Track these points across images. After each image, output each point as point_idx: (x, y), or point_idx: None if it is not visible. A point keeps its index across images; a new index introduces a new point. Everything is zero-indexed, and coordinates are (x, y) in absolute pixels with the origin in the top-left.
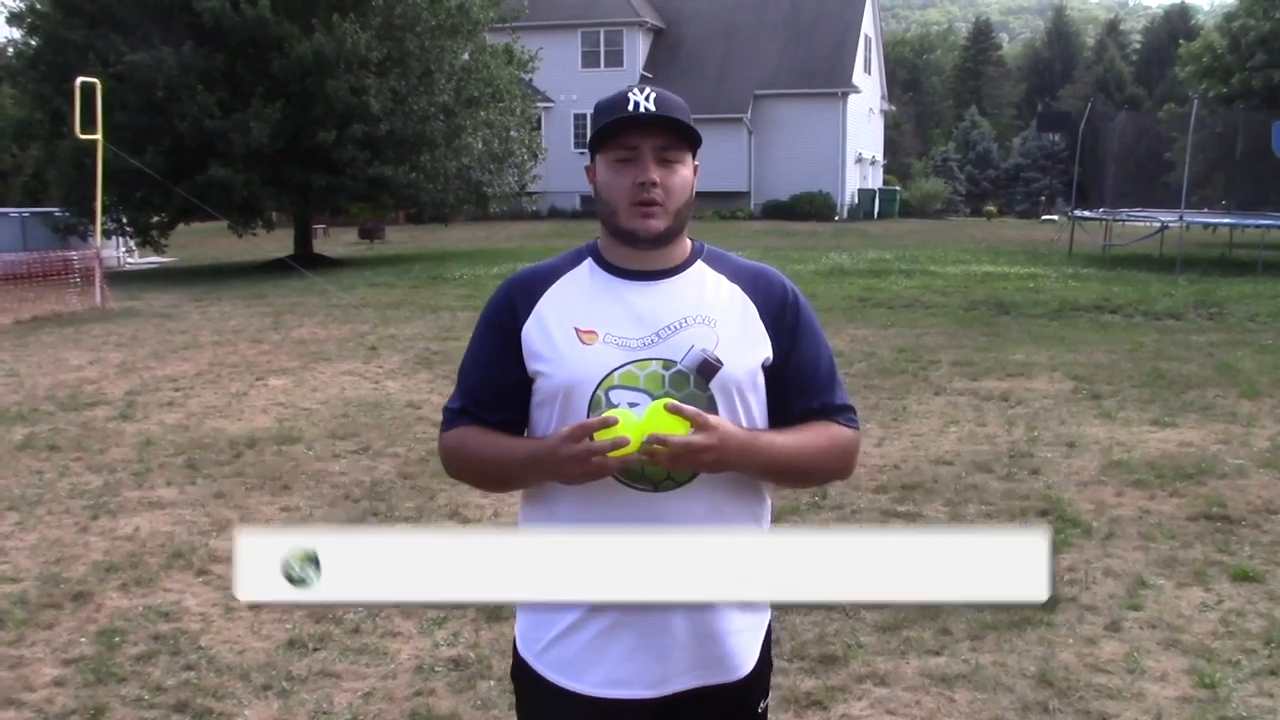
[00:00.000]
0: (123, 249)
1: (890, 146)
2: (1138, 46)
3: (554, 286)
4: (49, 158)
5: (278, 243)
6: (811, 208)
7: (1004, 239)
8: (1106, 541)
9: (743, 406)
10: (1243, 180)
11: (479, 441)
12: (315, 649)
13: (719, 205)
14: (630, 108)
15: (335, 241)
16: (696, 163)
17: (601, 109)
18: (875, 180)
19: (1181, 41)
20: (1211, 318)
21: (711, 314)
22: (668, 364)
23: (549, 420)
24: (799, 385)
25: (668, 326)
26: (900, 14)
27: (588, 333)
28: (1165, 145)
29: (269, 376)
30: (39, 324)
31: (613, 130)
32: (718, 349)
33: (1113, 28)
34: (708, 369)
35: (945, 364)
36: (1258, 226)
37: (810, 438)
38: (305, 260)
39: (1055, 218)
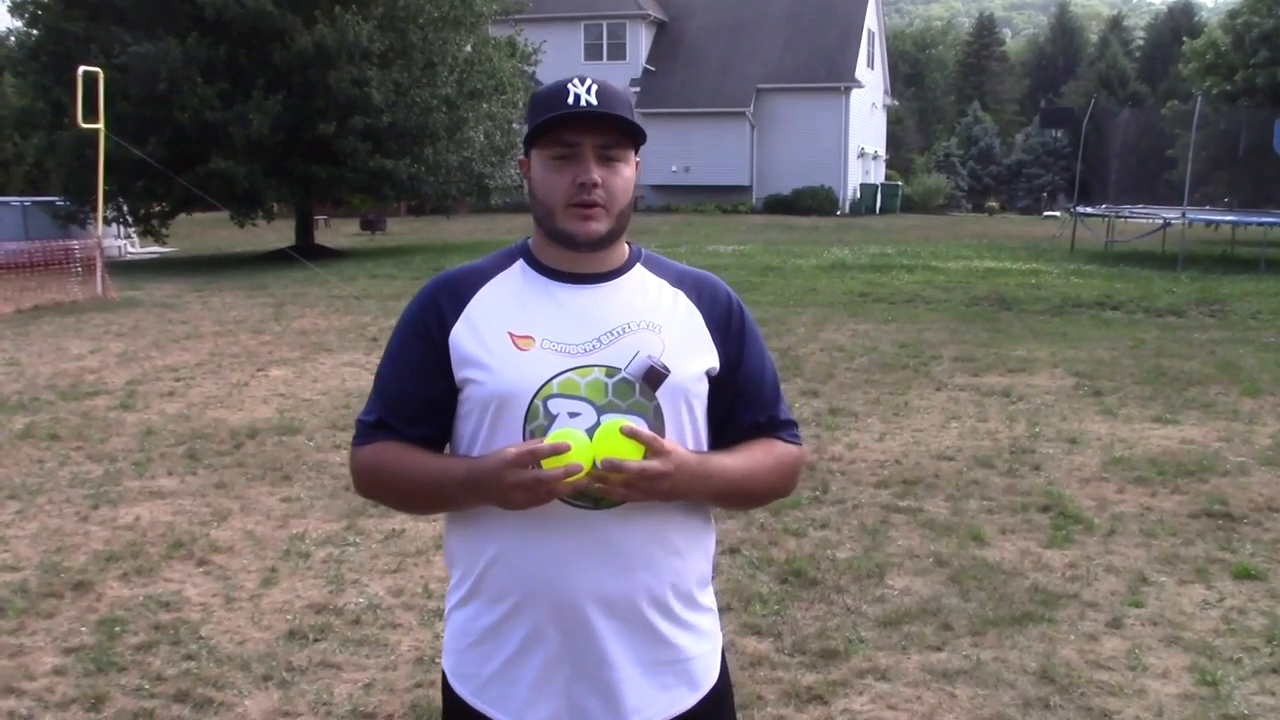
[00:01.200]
0: (124, 239)
1: (893, 141)
2: (1141, 43)
3: (484, 289)
4: (50, 147)
5: (279, 233)
6: (813, 202)
7: (1006, 235)
8: (1108, 538)
9: (689, 416)
10: (1245, 177)
11: (401, 459)
12: (316, 640)
13: (720, 199)
14: (570, 101)
15: (337, 232)
16: (639, 159)
17: (539, 101)
18: (877, 175)
19: (1185, 38)
20: (1213, 315)
21: (656, 319)
22: (611, 371)
23: (475, 432)
24: (746, 398)
25: (610, 331)
26: (903, 8)
27: (523, 338)
28: (1168, 142)
29: (270, 367)
30: (40, 313)
31: (551, 126)
32: (664, 356)
33: (1116, 24)
34: (654, 377)
35: (947, 359)
36: (1260, 224)
37: (759, 458)
38: (307, 251)
39: (1057, 214)
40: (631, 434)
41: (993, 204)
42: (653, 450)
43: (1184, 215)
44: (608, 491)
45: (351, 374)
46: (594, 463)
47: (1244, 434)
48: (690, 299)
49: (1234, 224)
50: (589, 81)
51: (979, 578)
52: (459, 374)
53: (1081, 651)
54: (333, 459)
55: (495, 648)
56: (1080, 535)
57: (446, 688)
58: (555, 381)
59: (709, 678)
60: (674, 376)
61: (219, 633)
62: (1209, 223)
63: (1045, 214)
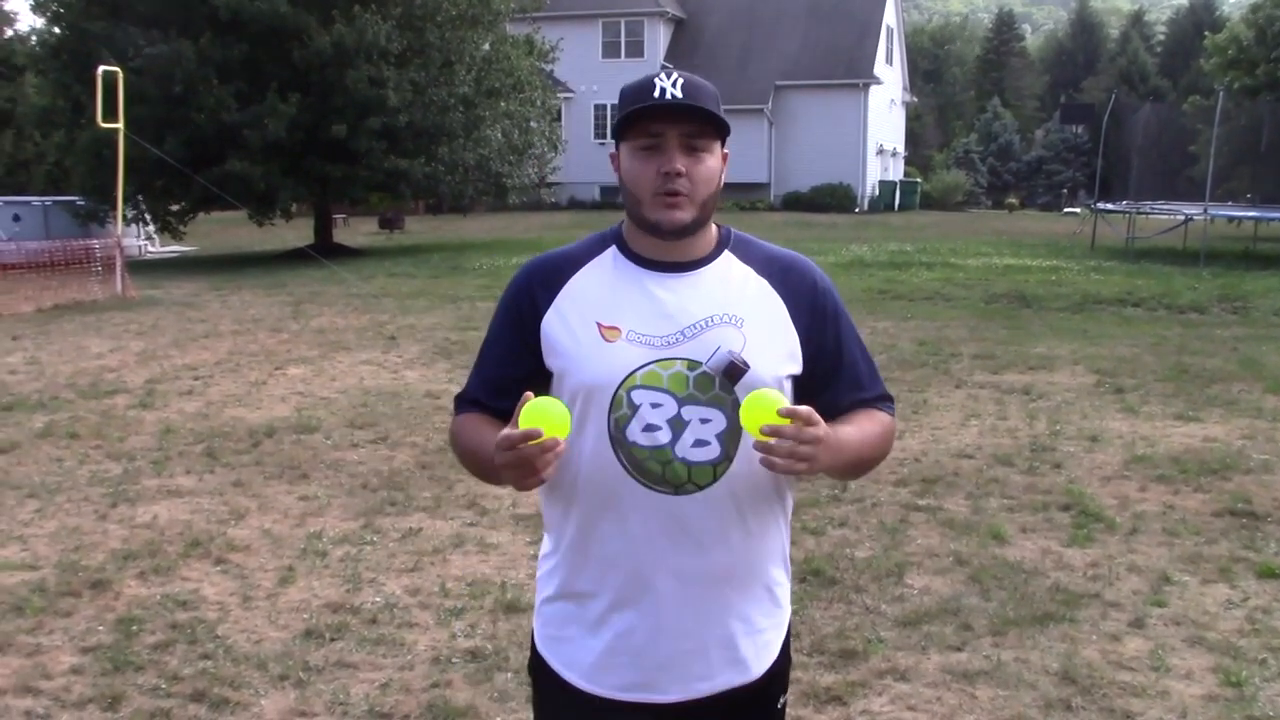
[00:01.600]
0: (144, 238)
1: (911, 138)
2: (1162, 38)
3: (576, 276)
4: (70, 146)
5: (297, 232)
6: (832, 199)
7: (1026, 232)
8: (1130, 537)
9: None
10: (1268, 173)
11: (470, 433)
12: (332, 639)
13: (739, 196)
14: (656, 94)
15: (355, 231)
16: (726, 151)
17: (627, 95)
18: (896, 172)
19: (1206, 33)
20: (1236, 312)
21: (738, 313)
22: (692, 364)
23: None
24: (845, 380)
25: (694, 325)
26: (922, 4)
27: (610, 329)
28: (1189, 138)
29: (288, 365)
30: (60, 312)
31: (638, 118)
32: (744, 351)
33: (1137, 19)
34: (734, 372)
35: (966, 357)
36: None
37: (870, 428)
38: (325, 250)
39: (1077, 210)
40: (784, 410)
41: (1012, 200)
42: (800, 419)
43: (1206, 211)
44: (768, 462)
45: (369, 372)
46: (760, 428)
47: (1267, 431)
48: (775, 287)
49: (1256, 220)
50: (675, 75)
51: (999, 577)
52: (549, 361)
53: (1103, 652)
54: (350, 457)
55: (576, 614)
56: (1102, 534)
57: (534, 649)
58: (639, 373)
59: (772, 653)
60: (753, 372)
61: (236, 632)
62: (1231, 219)
63: (1065, 210)
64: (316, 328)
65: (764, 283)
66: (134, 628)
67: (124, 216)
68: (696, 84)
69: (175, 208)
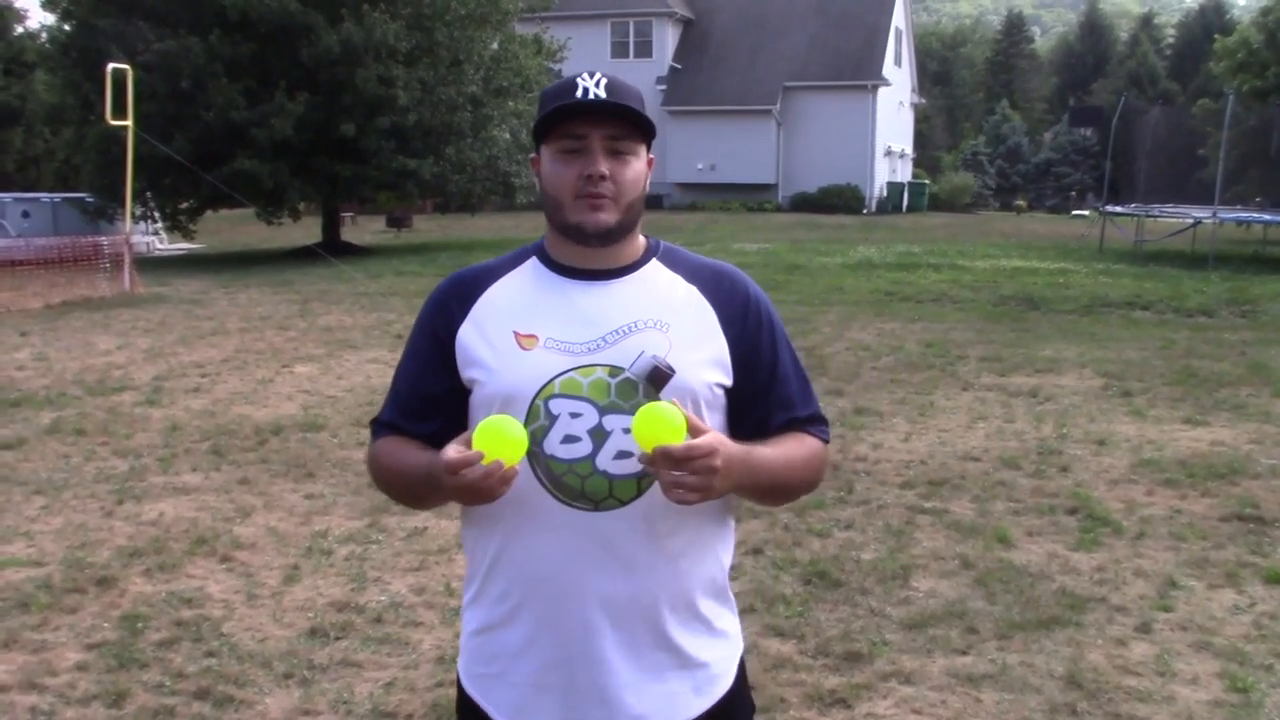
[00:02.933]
0: (152, 235)
1: (920, 140)
2: (1171, 41)
3: (493, 287)
4: (79, 143)
5: (305, 230)
6: (840, 201)
7: (1034, 234)
8: (1137, 541)
9: (699, 418)
10: (1277, 176)
11: (392, 455)
12: (337, 638)
13: (746, 197)
14: (579, 94)
15: (363, 229)
16: (651, 156)
17: (548, 95)
18: (904, 174)
19: (1216, 36)
20: (1244, 315)
21: (664, 318)
22: (614, 371)
23: None
24: (772, 395)
25: (616, 330)
26: (931, 6)
27: (527, 337)
28: (1199, 141)
29: (295, 363)
30: (68, 308)
31: (559, 118)
32: (670, 355)
33: (1146, 22)
34: (658, 377)
35: (973, 359)
36: None
37: (795, 450)
38: (333, 248)
39: (1086, 213)
40: (669, 415)
41: (1020, 203)
42: (694, 430)
43: (1214, 214)
44: (663, 480)
45: (376, 371)
46: (650, 453)
47: (1275, 436)
48: (704, 294)
49: (1266, 223)
50: (598, 75)
51: (1005, 580)
52: (464, 373)
53: (1109, 656)
54: (356, 456)
55: (498, 647)
56: (1108, 538)
57: (459, 681)
58: (557, 381)
59: (720, 685)
60: (679, 377)
61: (240, 630)
62: (1240, 222)
63: (1074, 213)
64: (324, 326)
65: (692, 289)
66: (139, 625)
67: (132, 214)
68: (621, 84)
69: (184, 205)
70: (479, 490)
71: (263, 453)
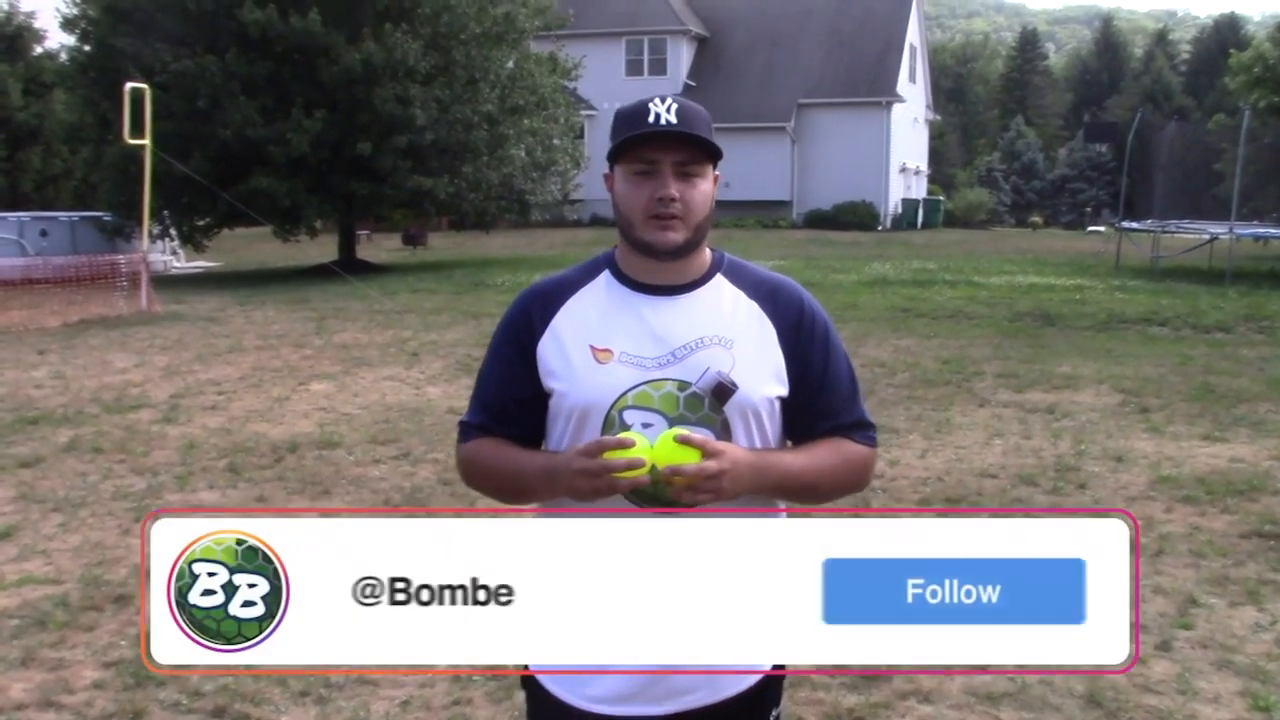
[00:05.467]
0: (170, 253)
1: (934, 156)
2: (1187, 57)
3: (570, 300)
4: (96, 161)
5: (321, 248)
6: (854, 217)
7: (1050, 250)
8: (1156, 558)
9: (758, 431)
10: None
11: (495, 454)
12: None
13: (761, 214)
14: (650, 120)
15: (379, 247)
16: (718, 174)
17: (621, 119)
18: (919, 190)
19: (1232, 51)
20: (1262, 331)
21: (728, 334)
22: (682, 385)
23: (561, 436)
24: (822, 401)
25: (684, 346)
26: (945, 23)
27: (603, 351)
28: (1214, 156)
29: (311, 381)
30: (86, 326)
31: (632, 144)
32: (733, 372)
33: (1161, 38)
34: (723, 392)
35: (990, 376)
36: None
37: (824, 455)
38: (348, 266)
39: (1102, 229)
40: (684, 440)
41: (1036, 219)
42: (707, 453)
43: (1231, 230)
44: (675, 496)
45: (392, 388)
46: (652, 467)
47: None
48: (764, 309)
49: None
50: (669, 101)
51: None
52: (545, 383)
53: (1130, 675)
54: (372, 473)
55: None
56: None
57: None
58: (630, 394)
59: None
60: (741, 392)
61: None
62: (1257, 238)
63: (1089, 229)
64: (339, 343)
65: (754, 305)
66: None
67: (150, 232)
68: (690, 110)
69: (200, 223)
70: (604, 475)
71: (279, 470)
